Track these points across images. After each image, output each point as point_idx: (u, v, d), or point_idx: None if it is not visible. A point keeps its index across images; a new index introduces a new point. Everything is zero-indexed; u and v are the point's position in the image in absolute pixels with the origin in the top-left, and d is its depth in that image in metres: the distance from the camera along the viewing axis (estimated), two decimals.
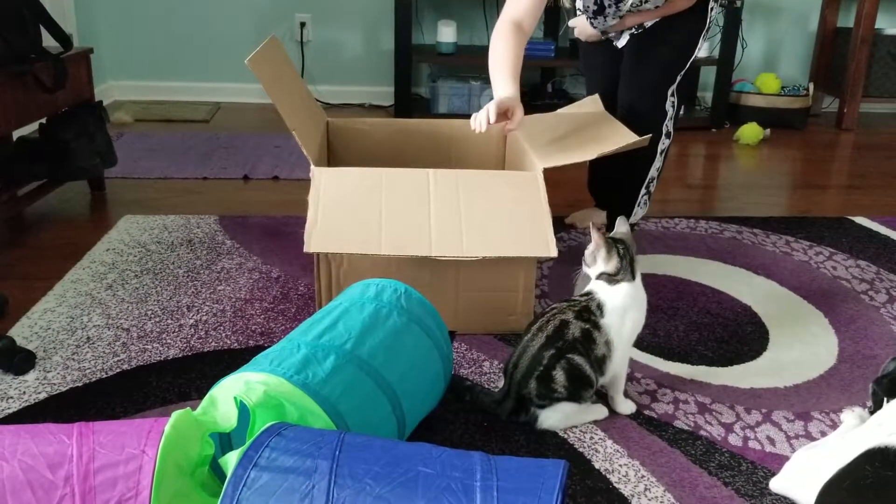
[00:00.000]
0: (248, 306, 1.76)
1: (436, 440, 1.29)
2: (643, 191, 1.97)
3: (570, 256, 2.00)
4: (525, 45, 1.80)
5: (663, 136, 1.91)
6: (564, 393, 1.31)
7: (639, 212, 2.02)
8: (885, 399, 1.20)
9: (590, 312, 1.34)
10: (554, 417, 1.33)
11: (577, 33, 2.09)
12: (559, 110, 2.14)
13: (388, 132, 2.06)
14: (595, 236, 1.35)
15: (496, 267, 1.60)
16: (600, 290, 1.36)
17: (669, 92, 1.90)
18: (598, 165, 2.03)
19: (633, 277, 1.36)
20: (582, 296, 1.38)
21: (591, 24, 1.94)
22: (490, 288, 1.62)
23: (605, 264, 1.35)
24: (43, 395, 1.40)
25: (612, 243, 1.36)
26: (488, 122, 1.63)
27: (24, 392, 1.41)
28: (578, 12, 1.97)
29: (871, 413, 1.23)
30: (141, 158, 2.88)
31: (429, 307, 1.33)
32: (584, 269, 1.40)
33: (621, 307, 1.34)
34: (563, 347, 1.30)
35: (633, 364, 1.55)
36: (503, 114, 1.67)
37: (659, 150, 1.92)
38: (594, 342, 1.32)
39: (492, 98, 1.71)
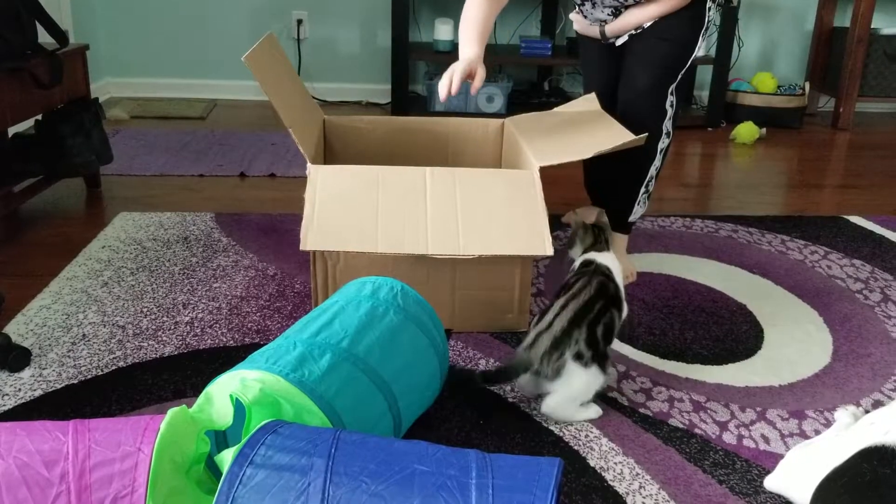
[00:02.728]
0: (244, 304, 1.75)
1: (431, 438, 1.29)
2: (642, 190, 1.97)
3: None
4: (498, 13, 1.84)
5: (663, 136, 1.91)
6: (603, 347, 1.37)
7: (638, 210, 2.02)
8: None
9: (609, 275, 1.46)
10: (558, 397, 1.34)
11: (575, 27, 2.09)
12: (556, 108, 2.14)
13: (384, 130, 2.06)
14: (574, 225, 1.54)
15: (493, 265, 1.60)
16: (595, 257, 1.49)
17: (669, 91, 1.90)
18: (595, 165, 2.03)
19: (608, 248, 1.54)
20: (585, 266, 1.48)
21: (582, 14, 1.95)
22: (486, 286, 1.62)
23: (581, 244, 1.54)
24: (38, 393, 1.40)
25: (588, 230, 1.54)
26: (451, 86, 1.66)
27: (20, 389, 1.41)
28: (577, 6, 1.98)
29: None
30: (137, 155, 2.88)
31: (425, 305, 1.33)
32: (569, 252, 1.56)
33: (616, 267, 1.49)
34: (608, 302, 1.40)
35: (627, 362, 1.56)
36: (467, 75, 1.71)
37: (659, 150, 1.92)
38: (621, 300, 1.45)
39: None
